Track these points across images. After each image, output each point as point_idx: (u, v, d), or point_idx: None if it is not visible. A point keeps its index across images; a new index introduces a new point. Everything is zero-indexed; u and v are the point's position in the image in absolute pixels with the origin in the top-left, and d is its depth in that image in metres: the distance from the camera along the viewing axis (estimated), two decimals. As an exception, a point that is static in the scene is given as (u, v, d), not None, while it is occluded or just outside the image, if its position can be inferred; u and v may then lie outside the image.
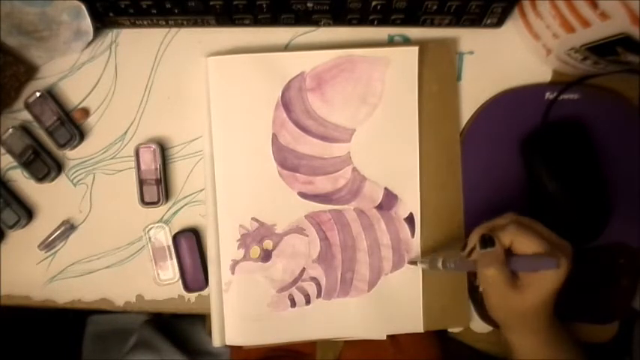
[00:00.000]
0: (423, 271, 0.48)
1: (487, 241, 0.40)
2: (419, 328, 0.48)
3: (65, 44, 0.48)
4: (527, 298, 0.40)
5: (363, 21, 0.47)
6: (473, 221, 0.45)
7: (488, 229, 0.41)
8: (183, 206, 0.50)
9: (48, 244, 0.50)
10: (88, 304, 0.50)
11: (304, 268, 0.48)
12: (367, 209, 0.48)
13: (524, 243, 0.39)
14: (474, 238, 0.42)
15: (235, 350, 0.60)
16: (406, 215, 0.48)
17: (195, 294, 0.50)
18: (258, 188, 0.48)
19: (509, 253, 0.40)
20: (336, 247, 0.48)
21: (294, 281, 0.48)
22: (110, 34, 0.49)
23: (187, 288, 0.49)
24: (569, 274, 0.39)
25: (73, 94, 0.50)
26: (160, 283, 0.50)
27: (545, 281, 0.39)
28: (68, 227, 0.50)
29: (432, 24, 0.47)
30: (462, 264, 0.42)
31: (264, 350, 0.56)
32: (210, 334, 0.49)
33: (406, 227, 0.48)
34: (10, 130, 0.48)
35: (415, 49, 0.47)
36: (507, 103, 0.49)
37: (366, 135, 0.48)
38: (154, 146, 0.48)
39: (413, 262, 0.48)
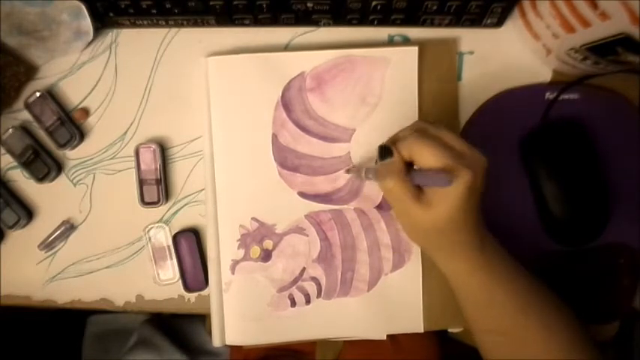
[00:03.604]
0: (423, 271, 0.48)
1: (385, 152, 0.38)
2: (419, 328, 0.48)
3: (65, 44, 0.48)
4: (430, 213, 0.37)
5: (363, 21, 0.47)
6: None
7: (393, 139, 0.40)
8: (184, 206, 0.50)
9: (48, 244, 0.50)
10: (88, 304, 0.50)
11: (304, 268, 0.48)
12: (367, 209, 0.48)
13: (424, 155, 0.37)
14: (386, 142, 0.40)
15: (235, 350, 0.61)
16: (406, 215, 0.48)
17: (195, 294, 0.50)
18: (258, 188, 0.48)
19: (410, 165, 0.38)
20: (336, 247, 0.48)
21: (294, 281, 0.48)
22: (110, 34, 0.49)
23: (187, 288, 0.49)
24: (477, 189, 0.37)
25: (73, 94, 0.50)
26: (160, 283, 0.50)
27: (446, 196, 0.37)
28: (68, 227, 0.50)
29: (432, 24, 0.47)
30: (376, 175, 0.40)
31: (264, 350, 0.56)
32: (210, 333, 0.49)
33: (406, 227, 0.48)
34: (10, 130, 0.48)
35: (415, 49, 0.47)
36: (507, 103, 0.49)
37: (366, 135, 0.48)
38: (153, 146, 0.48)
39: (347, 171, 0.47)
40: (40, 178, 0.49)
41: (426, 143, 0.37)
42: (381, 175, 0.39)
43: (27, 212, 0.50)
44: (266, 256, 0.48)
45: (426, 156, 0.37)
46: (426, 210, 0.38)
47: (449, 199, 0.37)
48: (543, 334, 0.39)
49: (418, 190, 0.38)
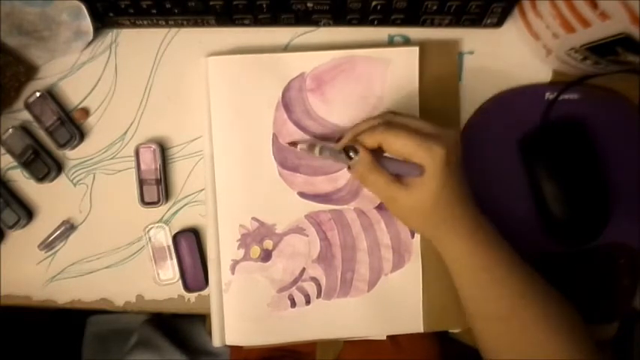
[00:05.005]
0: (423, 271, 0.48)
1: (350, 152, 0.40)
2: (419, 328, 0.48)
3: (65, 44, 0.48)
4: (415, 194, 0.39)
5: (363, 21, 0.47)
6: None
7: (359, 131, 0.41)
8: (184, 206, 0.50)
9: (48, 244, 0.50)
10: (88, 304, 0.50)
11: (304, 268, 0.48)
12: (367, 209, 0.48)
13: (394, 145, 0.39)
14: (347, 135, 0.42)
15: (235, 350, 0.60)
16: (406, 215, 0.48)
17: (195, 294, 0.50)
18: (259, 188, 0.48)
19: (381, 153, 0.40)
20: (336, 247, 0.48)
21: (294, 281, 0.48)
22: (110, 34, 0.49)
23: (187, 288, 0.49)
24: (455, 163, 0.39)
25: (73, 94, 0.50)
26: (160, 283, 0.50)
27: (425, 177, 0.38)
28: (68, 227, 0.50)
29: (432, 24, 0.47)
30: (337, 156, 0.42)
31: (264, 350, 0.56)
32: (210, 334, 0.49)
33: (406, 227, 0.48)
34: (10, 130, 0.48)
35: (415, 50, 0.47)
36: (507, 103, 0.49)
37: (366, 135, 0.48)
38: (153, 146, 0.48)
39: (293, 143, 0.45)
40: (40, 178, 0.49)
41: (393, 134, 0.39)
42: (356, 172, 0.40)
43: (27, 212, 0.50)
44: (266, 256, 0.48)
45: (397, 146, 0.39)
46: (410, 192, 0.39)
47: (428, 178, 0.38)
48: (543, 324, 0.39)
49: (396, 176, 0.40)
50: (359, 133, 0.41)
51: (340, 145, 0.42)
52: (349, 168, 0.42)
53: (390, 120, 0.40)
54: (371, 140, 0.40)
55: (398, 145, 0.38)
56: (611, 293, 0.49)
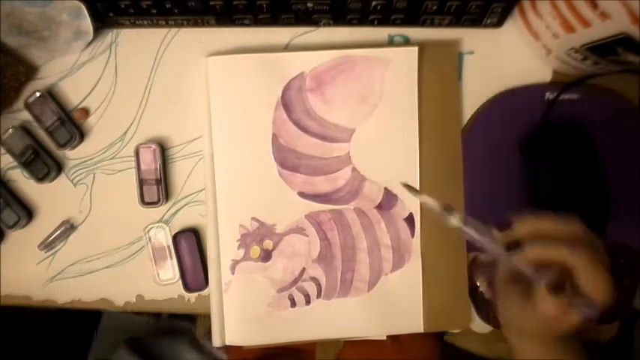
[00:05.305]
0: (423, 271, 0.48)
1: (558, 287, 0.33)
2: (419, 328, 0.48)
3: (65, 44, 0.48)
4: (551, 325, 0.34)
5: (363, 21, 0.47)
6: (473, 221, 0.45)
7: (539, 231, 0.34)
8: (184, 206, 0.50)
9: (48, 244, 0.50)
10: (88, 304, 0.50)
11: (304, 268, 0.48)
12: (367, 209, 0.48)
13: (596, 284, 0.32)
14: (522, 227, 0.35)
15: (234, 349, 0.60)
16: (406, 215, 0.48)
17: (195, 294, 0.50)
18: (258, 188, 0.48)
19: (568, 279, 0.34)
20: (336, 247, 0.48)
21: (294, 281, 0.48)
22: (110, 34, 0.49)
23: (187, 288, 0.49)
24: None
25: (73, 94, 0.50)
26: (160, 283, 0.50)
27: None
28: (68, 227, 0.50)
29: (432, 24, 0.47)
30: (488, 243, 0.37)
31: (263, 349, 0.56)
32: (203, 337, 0.49)
33: (406, 227, 0.48)
34: (10, 130, 0.48)
35: (415, 50, 0.47)
36: (507, 103, 0.49)
37: (366, 135, 0.48)
38: (154, 146, 0.48)
39: (409, 187, 0.44)
40: (40, 178, 0.49)
41: (602, 274, 0.32)
42: (542, 298, 0.34)
43: (27, 212, 0.50)
44: (266, 256, 0.48)
45: (599, 288, 0.32)
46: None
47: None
48: None
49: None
50: (539, 235, 0.35)
51: (509, 235, 0.36)
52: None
53: (578, 236, 0.35)
54: (555, 254, 0.33)
55: (602, 288, 0.32)
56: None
